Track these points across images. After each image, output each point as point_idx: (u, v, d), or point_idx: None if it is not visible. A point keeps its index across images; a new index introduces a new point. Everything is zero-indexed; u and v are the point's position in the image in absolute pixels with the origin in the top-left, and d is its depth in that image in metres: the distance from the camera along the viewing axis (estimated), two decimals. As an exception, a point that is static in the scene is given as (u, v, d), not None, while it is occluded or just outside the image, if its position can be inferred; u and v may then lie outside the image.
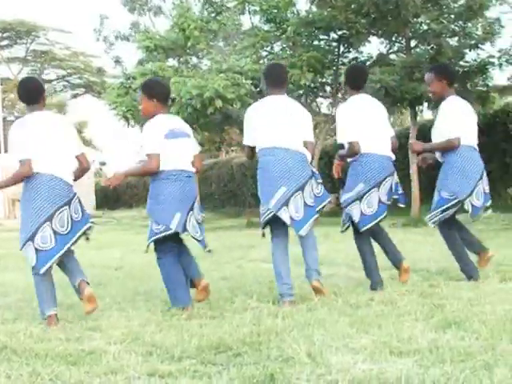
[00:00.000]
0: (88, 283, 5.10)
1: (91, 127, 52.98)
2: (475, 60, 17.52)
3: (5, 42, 44.46)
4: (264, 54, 20.19)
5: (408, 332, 4.11)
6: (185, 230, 5.32)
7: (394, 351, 3.73)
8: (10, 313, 5.52)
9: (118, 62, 25.71)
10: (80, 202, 5.27)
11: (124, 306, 5.63)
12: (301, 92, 20.07)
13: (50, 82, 48.07)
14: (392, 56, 19.42)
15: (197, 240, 5.44)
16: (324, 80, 21.00)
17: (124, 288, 6.51)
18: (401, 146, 19.44)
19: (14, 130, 5.17)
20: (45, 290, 5.07)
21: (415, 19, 17.50)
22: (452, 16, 17.29)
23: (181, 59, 22.92)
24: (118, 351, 4.00)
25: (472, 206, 6.03)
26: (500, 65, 17.32)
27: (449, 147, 6.06)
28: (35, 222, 4.98)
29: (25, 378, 3.56)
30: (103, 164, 45.63)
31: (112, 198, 38.28)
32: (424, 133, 13.35)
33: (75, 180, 5.31)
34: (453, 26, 17.46)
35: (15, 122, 5.32)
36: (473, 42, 17.19)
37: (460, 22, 17.34)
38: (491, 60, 17.33)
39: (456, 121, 6.07)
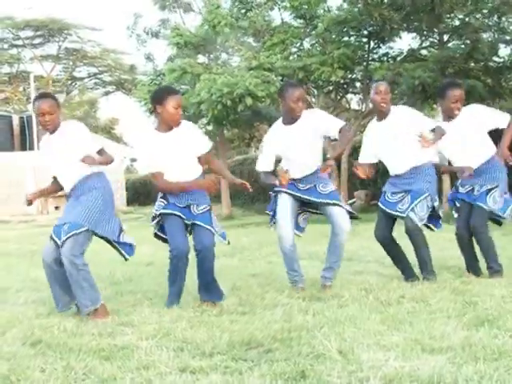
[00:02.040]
0: None
1: (122, 124, 53.34)
2: (510, 55, 17.31)
3: (38, 41, 44.86)
4: (294, 50, 20.14)
5: (440, 329, 4.09)
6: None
7: (426, 348, 3.71)
8: (44, 308, 5.58)
9: (149, 58, 25.77)
10: None
11: (155, 301, 5.67)
12: (330, 88, 20.00)
13: (81, 79, 48.46)
14: (423, 51, 19.26)
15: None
16: (354, 76, 20.91)
17: (155, 284, 6.55)
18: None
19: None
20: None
21: (449, 14, 17.33)
22: (486, 11, 17.09)
23: (211, 56, 22.96)
24: (149, 347, 4.03)
25: None
26: (534, 61, 17.13)
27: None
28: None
29: (59, 371, 3.60)
30: (134, 160, 45.86)
31: (143, 193, 38.42)
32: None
33: None
34: (487, 21, 17.27)
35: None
36: (508, 37, 16.99)
37: (495, 17, 17.14)
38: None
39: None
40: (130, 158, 43.61)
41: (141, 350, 3.95)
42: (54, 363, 3.77)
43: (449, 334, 3.99)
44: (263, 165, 6.09)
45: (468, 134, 6.25)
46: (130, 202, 34.33)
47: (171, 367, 3.60)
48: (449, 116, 6.33)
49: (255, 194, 30.08)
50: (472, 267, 6.41)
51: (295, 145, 5.87)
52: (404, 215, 6.09)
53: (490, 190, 6.24)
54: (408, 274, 6.21)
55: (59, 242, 5.12)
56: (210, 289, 5.50)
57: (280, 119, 6.08)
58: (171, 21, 24.87)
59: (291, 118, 5.91)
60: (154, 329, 4.50)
